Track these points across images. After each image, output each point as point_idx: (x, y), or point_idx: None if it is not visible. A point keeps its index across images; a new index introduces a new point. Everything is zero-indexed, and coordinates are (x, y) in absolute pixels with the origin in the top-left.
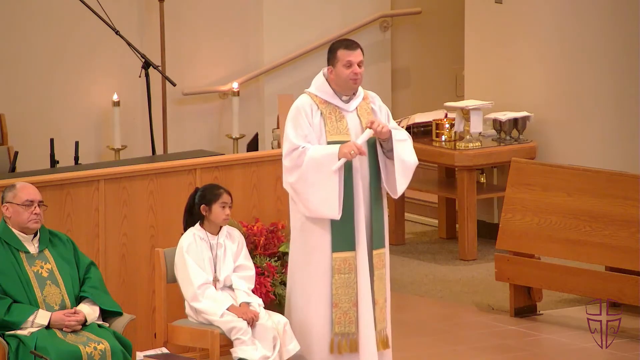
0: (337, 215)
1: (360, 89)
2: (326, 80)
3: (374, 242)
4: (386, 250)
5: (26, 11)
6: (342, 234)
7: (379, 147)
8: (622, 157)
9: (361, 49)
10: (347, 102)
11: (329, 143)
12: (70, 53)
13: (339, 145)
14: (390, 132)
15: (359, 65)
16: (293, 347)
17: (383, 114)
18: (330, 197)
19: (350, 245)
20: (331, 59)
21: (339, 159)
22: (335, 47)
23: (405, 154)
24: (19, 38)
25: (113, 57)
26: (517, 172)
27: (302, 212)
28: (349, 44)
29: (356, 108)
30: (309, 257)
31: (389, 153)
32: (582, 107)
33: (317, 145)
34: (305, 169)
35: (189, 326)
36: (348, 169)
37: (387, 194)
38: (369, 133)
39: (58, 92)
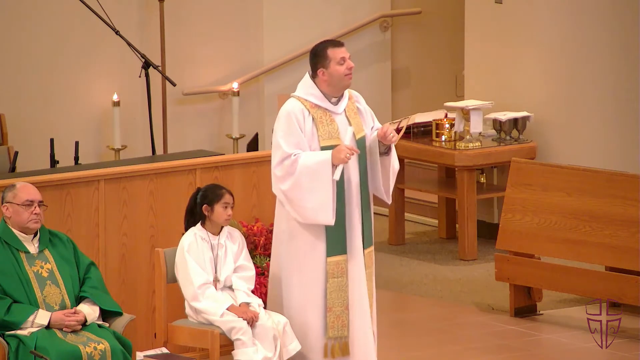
0: (331, 221)
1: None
2: (314, 83)
3: (365, 243)
4: (373, 247)
5: (26, 11)
6: (335, 238)
7: (374, 151)
8: (622, 157)
9: None
10: (336, 104)
11: (322, 148)
12: (70, 53)
13: (330, 151)
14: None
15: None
16: (294, 347)
17: (367, 115)
18: (326, 204)
19: (343, 249)
20: (321, 61)
21: (334, 166)
22: (322, 48)
23: (395, 160)
24: (19, 38)
25: (113, 57)
26: (517, 172)
27: (295, 219)
28: (336, 42)
29: (344, 109)
30: (302, 263)
31: (383, 156)
32: (582, 107)
33: (308, 152)
34: (298, 177)
35: (189, 326)
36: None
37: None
38: (351, 131)
39: (58, 92)
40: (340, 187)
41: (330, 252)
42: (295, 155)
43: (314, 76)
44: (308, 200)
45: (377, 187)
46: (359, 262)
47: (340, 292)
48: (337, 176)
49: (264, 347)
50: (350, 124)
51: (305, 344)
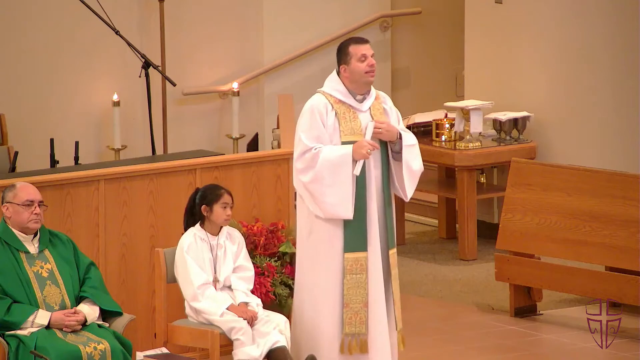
0: (350, 215)
1: (372, 88)
2: (340, 79)
3: (390, 242)
4: (395, 248)
5: (26, 11)
6: (354, 234)
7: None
8: (622, 157)
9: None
10: (361, 101)
11: (343, 143)
12: (70, 53)
13: (351, 145)
14: (398, 134)
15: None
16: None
17: (393, 116)
18: (346, 198)
19: (363, 246)
20: (343, 58)
21: (354, 161)
22: (346, 45)
23: (411, 160)
24: (19, 38)
25: (113, 57)
26: (517, 172)
27: (314, 212)
28: (359, 39)
29: (369, 108)
30: (320, 259)
31: (397, 155)
32: (582, 107)
33: (329, 145)
34: (319, 171)
35: (189, 326)
36: (361, 169)
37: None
38: (372, 126)
39: (58, 92)
40: (360, 183)
41: (348, 248)
42: (316, 149)
43: (338, 72)
44: (328, 195)
45: (395, 185)
46: (379, 260)
47: (359, 288)
48: (357, 171)
49: (271, 336)
50: (372, 120)
51: (319, 339)
